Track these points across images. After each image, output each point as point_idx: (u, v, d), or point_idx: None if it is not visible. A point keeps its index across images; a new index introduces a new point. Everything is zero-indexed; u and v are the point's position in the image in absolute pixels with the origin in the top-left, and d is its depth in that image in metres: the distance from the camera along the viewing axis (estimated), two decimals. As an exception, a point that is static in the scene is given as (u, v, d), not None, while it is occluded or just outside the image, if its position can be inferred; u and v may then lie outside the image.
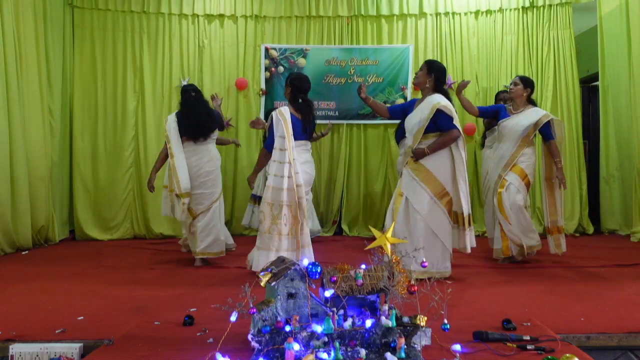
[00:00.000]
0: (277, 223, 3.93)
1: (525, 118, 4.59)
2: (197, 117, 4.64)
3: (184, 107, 4.72)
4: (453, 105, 4.14)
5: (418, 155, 3.97)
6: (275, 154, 4.02)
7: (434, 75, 4.10)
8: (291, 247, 3.94)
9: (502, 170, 4.61)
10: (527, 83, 4.71)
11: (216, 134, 4.87)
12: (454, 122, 3.95)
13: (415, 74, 4.28)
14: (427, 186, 3.94)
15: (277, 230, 3.92)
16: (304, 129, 4.17)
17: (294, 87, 4.21)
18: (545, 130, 4.59)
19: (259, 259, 3.95)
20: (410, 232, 3.90)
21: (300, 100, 4.16)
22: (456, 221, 4.00)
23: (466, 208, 3.96)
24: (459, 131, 3.97)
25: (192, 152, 4.66)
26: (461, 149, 3.98)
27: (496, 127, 4.94)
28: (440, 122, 3.97)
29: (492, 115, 4.96)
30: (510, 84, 4.78)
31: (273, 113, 4.15)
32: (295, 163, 3.99)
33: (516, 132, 4.59)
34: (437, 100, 4.00)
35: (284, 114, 4.07)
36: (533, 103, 4.77)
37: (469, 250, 3.99)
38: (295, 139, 4.09)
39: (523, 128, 4.57)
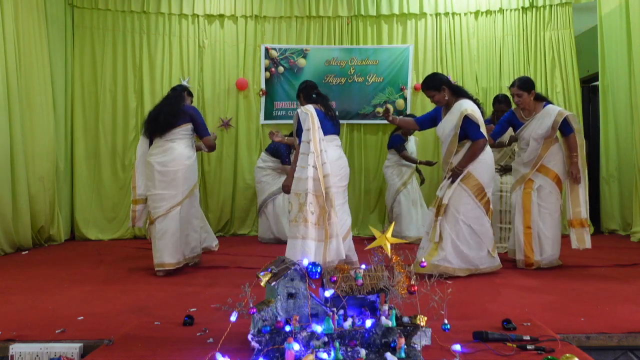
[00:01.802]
0: (303, 210, 3.86)
1: (541, 123, 4.39)
2: (157, 112, 4.38)
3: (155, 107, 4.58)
4: (481, 108, 4.20)
5: (455, 176, 4.07)
6: (301, 146, 3.97)
7: (444, 86, 4.16)
8: (319, 237, 3.83)
9: (525, 170, 4.44)
10: (527, 86, 4.44)
11: (185, 130, 4.36)
12: (481, 130, 4.02)
13: (431, 99, 4.29)
14: (469, 187, 4.03)
15: (303, 217, 3.85)
16: (332, 122, 4.14)
17: (304, 89, 4.26)
18: (563, 126, 4.36)
19: (288, 247, 3.92)
20: (456, 234, 4.05)
21: (314, 95, 4.19)
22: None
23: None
24: (485, 139, 4.05)
25: (156, 149, 4.34)
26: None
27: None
28: (468, 130, 4.04)
29: (507, 129, 4.76)
30: (514, 97, 4.48)
31: (298, 110, 4.09)
32: (323, 154, 3.89)
33: (535, 138, 4.40)
34: (465, 106, 4.06)
35: (308, 109, 4.02)
36: (541, 98, 4.52)
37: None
38: (327, 132, 4.03)
39: (542, 134, 4.38)
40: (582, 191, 4.43)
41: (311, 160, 3.84)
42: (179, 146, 4.31)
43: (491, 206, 4.16)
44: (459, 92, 4.21)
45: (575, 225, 4.44)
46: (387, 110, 4.41)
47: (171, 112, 4.31)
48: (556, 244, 4.44)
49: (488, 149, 4.17)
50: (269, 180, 6.31)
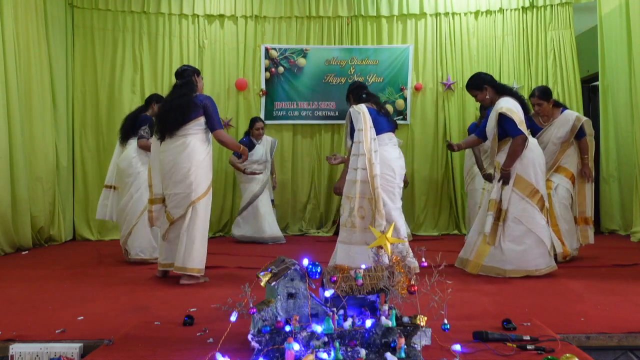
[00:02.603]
0: (352, 215, 3.83)
1: (560, 128, 4.73)
2: (166, 110, 3.95)
3: (164, 100, 4.19)
4: (523, 102, 4.17)
5: (504, 177, 4.05)
6: (353, 147, 3.92)
7: (486, 85, 4.20)
8: (365, 240, 3.72)
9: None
10: (546, 95, 4.76)
11: (198, 125, 3.93)
12: (518, 126, 3.97)
13: (475, 99, 4.35)
14: (521, 191, 4.04)
15: (351, 222, 3.84)
16: (387, 118, 4.09)
17: (354, 90, 4.24)
18: (578, 130, 4.72)
19: (338, 252, 3.90)
20: (510, 235, 4.05)
21: (364, 95, 4.15)
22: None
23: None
24: (524, 135, 3.98)
25: (167, 145, 3.94)
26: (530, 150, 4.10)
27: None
28: (506, 128, 4.04)
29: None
30: (534, 106, 4.77)
31: (350, 109, 4.07)
32: (373, 154, 3.83)
33: (555, 142, 4.72)
34: (501, 105, 4.08)
35: (360, 107, 3.99)
36: (558, 104, 4.85)
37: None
38: (382, 130, 4.01)
39: (561, 138, 4.72)
40: (589, 191, 4.80)
41: (360, 162, 3.80)
42: (192, 141, 3.89)
43: (546, 203, 4.13)
44: (502, 91, 4.20)
45: (580, 222, 4.78)
46: (450, 145, 4.47)
47: (180, 110, 3.88)
48: (572, 235, 4.72)
49: (532, 145, 4.12)
50: (245, 178, 6.28)
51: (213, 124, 3.95)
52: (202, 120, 3.93)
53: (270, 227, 6.27)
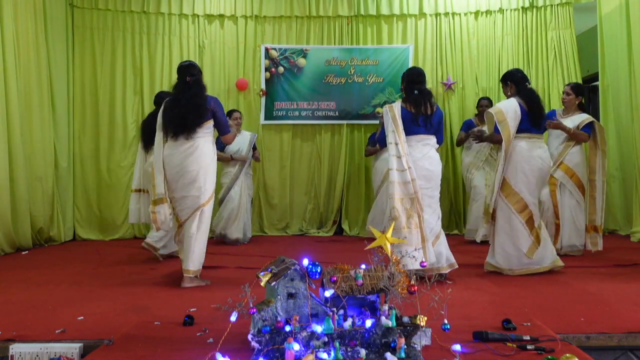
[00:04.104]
0: (412, 216, 3.74)
1: (571, 122, 4.97)
2: (183, 111, 3.80)
3: (173, 96, 3.95)
4: (533, 104, 4.15)
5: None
6: (392, 149, 3.84)
7: (509, 81, 4.33)
8: (419, 241, 3.75)
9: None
10: (578, 91, 5.07)
11: (208, 128, 3.86)
12: (497, 125, 4.11)
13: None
14: (503, 194, 4.16)
15: (415, 223, 3.75)
16: (421, 122, 3.92)
17: (404, 78, 4.12)
18: (585, 129, 4.93)
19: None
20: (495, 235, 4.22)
21: (415, 92, 3.97)
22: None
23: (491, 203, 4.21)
24: (497, 135, 4.16)
25: (175, 147, 3.82)
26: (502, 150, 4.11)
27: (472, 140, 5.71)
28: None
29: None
30: (563, 94, 5.12)
31: (384, 108, 4.07)
32: (408, 157, 3.81)
33: (562, 134, 4.97)
34: (495, 104, 4.43)
35: (393, 109, 3.92)
36: (582, 108, 5.12)
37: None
38: (412, 133, 3.89)
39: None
40: (600, 201, 4.93)
41: (405, 163, 3.78)
42: (200, 144, 3.81)
43: (531, 209, 4.09)
44: (518, 91, 4.25)
45: (590, 230, 4.94)
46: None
47: (198, 112, 3.79)
48: (574, 232, 4.96)
49: (521, 149, 4.11)
50: (222, 173, 6.12)
51: (223, 129, 3.98)
52: (211, 124, 3.88)
53: (237, 228, 6.07)
